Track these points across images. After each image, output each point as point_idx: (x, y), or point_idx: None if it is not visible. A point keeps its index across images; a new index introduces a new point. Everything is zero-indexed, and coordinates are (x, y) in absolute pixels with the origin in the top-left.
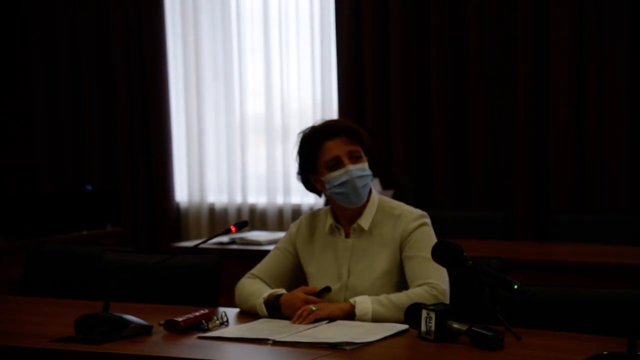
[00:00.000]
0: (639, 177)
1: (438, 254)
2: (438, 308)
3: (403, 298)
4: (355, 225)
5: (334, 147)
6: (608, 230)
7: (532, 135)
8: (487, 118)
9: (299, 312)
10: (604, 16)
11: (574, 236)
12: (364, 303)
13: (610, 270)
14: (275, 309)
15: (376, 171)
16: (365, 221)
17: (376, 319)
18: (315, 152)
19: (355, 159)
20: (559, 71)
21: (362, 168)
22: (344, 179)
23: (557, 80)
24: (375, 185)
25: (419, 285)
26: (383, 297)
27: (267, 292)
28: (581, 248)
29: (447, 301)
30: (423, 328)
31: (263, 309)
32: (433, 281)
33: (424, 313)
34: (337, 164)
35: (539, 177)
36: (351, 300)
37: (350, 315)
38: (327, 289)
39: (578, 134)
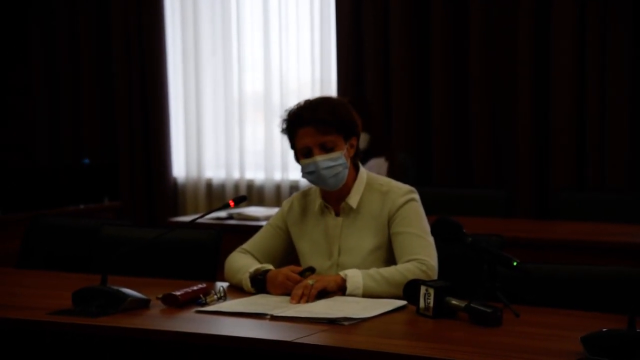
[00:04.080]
0: (639, 155)
1: (438, 231)
2: (437, 284)
3: (394, 272)
4: (343, 203)
5: (304, 137)
6: (608, 209)
7: (533, 113)
8: (489, 96)
9: (301, 290)
10: None
11: (574, 214)
12: (355, 277)
13: (610, 249)
14: (260, 284)
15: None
16: (353, 199)
17: (367, 294)
18: (292, 136)
19: (326, 150)
20: (560, 50)
21: (332, 158)
22: (311, 169)
23: (558, 58)
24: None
25: (408, 261)
26: (374, 271)
27: (254, 267)
28: (581, 226)
29: (435, 277)
30: (422, 304)
31: (248, 284)
32: (422, 257)
33: (423, 289)
34: (306, 152)
35: (539, 156)
36: (342, 274)
37: (342, 287)
38: (311, 269)
39: (579, 112)
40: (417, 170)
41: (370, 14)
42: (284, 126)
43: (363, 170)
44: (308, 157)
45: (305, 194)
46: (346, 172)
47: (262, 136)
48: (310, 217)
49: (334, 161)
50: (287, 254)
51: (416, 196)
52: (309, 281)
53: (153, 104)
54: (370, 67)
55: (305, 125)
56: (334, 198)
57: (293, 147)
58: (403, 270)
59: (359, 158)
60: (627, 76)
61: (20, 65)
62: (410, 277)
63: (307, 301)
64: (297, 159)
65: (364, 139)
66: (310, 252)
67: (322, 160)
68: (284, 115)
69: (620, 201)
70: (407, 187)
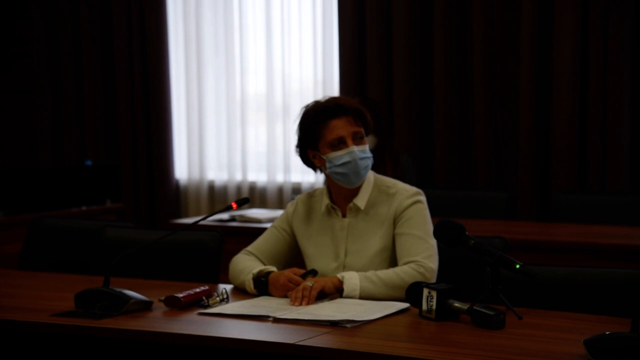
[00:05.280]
0: None
1: (441, 233)
2: (440, 287)
3: (391, 275)
4: (351, 204)
5: (339, 127)
6: (610, 211)
7: (535, 115)
8: (490, 98)
9: (300, 293)
10: None
11: (575, 217)
12: (352, 279)
13: (613, 251)
14: (263, 285)
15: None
16: (361, 200)
17: (364, 296)
18: (319, 128)
19: (358, 140)
20: (562, 52)
21: (364, 150)
22: (346, 159)
23: (560, 61)
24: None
25: (407, 263)
26: (371, 274)
27: (257, 268)
28: (583, 229)
29: (434, 280)
30: (424, 307)
31: (251, 285)
32: (420, 259)
33: (426, 292)
34: (340, 143)
35: (541, 158)
36: (339, 276)
37: (339, 289)
38: (313, 272)
39: (580, 114)
40: (419, 172)
41: (372, 15)
42: (310, 118)
43: (370, 172)
44: (341, 148)
45: (310, 195)
46: (370, 167)
47: (265, 138)
48: (316, 218)
49: (366, 153)
50: (292, 256)
51: (423, 198)
52: (308, 283)
53: (155, 105)
54: (372, 69)
55: (343, 114)
56: (343, 197)
57: (315, 142)
58: (400, 273)
59: None
60: (628, 78)
61: (22, 66)
62: (408, 279)
63: (308, 303)
64: (320, 152)
65: (371, 141)
66: (316, 254)
67: (359, 150)
68: (310, 107)
69: (622, 203)
70: (414, 189)
